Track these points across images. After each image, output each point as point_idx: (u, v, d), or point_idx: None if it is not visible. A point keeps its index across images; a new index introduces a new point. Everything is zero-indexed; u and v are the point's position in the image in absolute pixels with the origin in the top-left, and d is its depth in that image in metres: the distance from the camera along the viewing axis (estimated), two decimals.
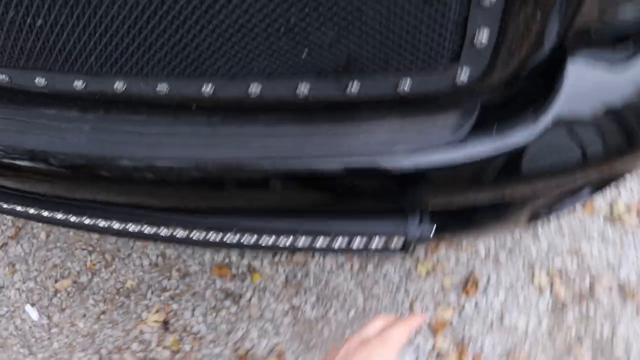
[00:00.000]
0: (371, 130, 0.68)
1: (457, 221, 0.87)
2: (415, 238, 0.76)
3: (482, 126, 0.69)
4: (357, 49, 0.60)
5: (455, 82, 0.64)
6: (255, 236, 0.81)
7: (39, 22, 0.65)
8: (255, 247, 0.83)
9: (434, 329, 1.55)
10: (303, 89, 0.65)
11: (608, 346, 1.55)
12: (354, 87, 0.64)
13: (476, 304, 1.61)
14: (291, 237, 0.80)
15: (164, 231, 0.85)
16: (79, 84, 0.72)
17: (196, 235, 0.84)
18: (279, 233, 0.80)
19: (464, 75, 0.62)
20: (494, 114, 0.70)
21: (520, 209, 0.83)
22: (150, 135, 0.72)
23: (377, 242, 0.78)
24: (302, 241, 0.79)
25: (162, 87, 0.69)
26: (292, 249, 0.81)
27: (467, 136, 0.66)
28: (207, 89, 0.69)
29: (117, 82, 0.70)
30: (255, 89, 0.67)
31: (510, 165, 0.68)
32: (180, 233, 0.84)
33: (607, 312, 1.58)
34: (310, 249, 0.80)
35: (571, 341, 1.55)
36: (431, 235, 0.79)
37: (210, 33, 0.61)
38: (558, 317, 1.58)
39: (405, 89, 0.65)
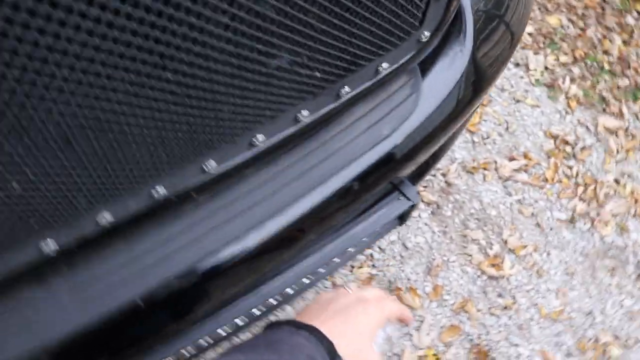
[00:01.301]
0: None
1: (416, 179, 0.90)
2: (418, 202, 0.78)
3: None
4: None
5: (420, 42, 0.64)
6: None
7: None
8: None
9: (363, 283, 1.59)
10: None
11: (484, 215, 1.80)
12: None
13: (380, 248, 1.69)
14: None
15: None
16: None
17: None
18: None
19: (426, 33, 0.62)
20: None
21: None
22: None
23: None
24: None
25: None
26: None
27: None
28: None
29: None
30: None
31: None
32: None
33: (467, 191, 1.83)
34: None
35: (461, 230, 1.76)
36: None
37: None
38: (440, 218, 1.77)
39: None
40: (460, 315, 1.66)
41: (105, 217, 0.51)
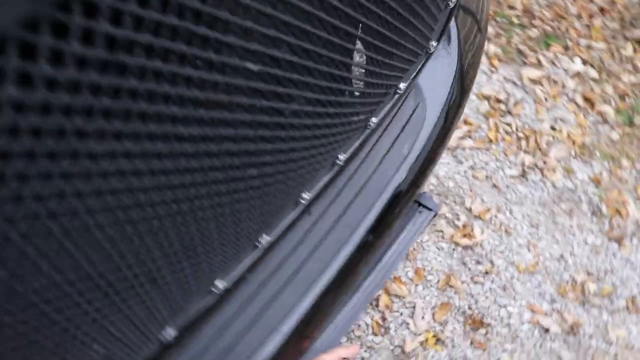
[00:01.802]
0: None
1: None
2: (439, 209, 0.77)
3: None
4: None
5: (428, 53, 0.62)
6: None
7: None
8: None
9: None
10: None
11: (443, 189, 1.84)
12: None
13: None
14: None
15: None
16: None
17: None
18: None
19: (434, 43, 0.60)
20: None
21: None
22: None
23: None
24: None
25: None
26: None
27: None
28: None
29: None
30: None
31: None
32: None
33: None
34: None
35: None
36: None
37: None
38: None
39: None
40: (447, 291, 1.69)
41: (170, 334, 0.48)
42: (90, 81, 0.25)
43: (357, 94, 0.47)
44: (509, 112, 2.09)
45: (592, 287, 1.74)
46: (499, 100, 2.12)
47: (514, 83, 2.17)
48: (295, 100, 0.40)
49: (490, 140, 2.00)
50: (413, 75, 0.59)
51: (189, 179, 0.37)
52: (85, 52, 0.23)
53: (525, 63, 2.24)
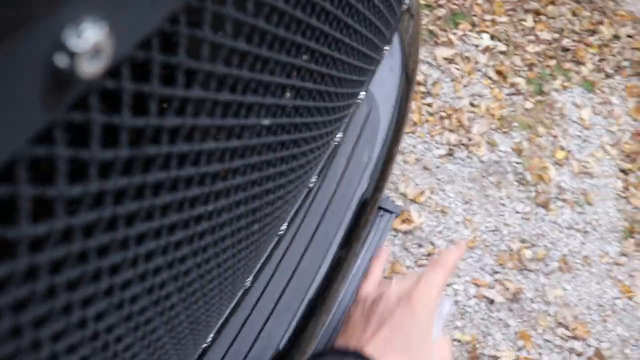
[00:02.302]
0: None
1: None
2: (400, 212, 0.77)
3: None
4: None
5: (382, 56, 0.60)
6: None
7: None
8: None
9: None
10: None
11: None
12: None
13: None
14: None
15: None
16: None
17: None
18: None
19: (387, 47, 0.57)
20: None
21: None
22: None
23: None
24: None
25: None
26: None
27: None
28: None
29: None
30: None
31: None
32: None
33: None
34: None
35: None
36: None
37: None
38: None
39: None
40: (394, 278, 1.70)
41: None
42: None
43: (334, 110, 0.43)
44: (429, 93, 2.12)
45: (527, 253, 1.81)
46: (418, 83, 2.14)
47: (429, 64, 2.21)
48: (297, 136, 0.35)
49: (415, 123, 2.02)
50: (368, 81, 0.56)
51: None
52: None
53: (437, 43, 2.28)
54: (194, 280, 0.32)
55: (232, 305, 0.50)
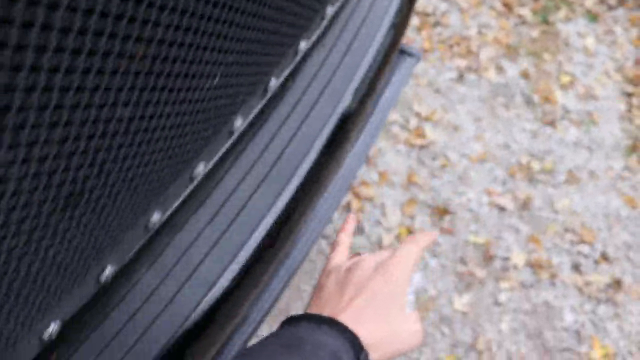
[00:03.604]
0: None
1: None
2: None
3: None
4: None
5: None
6: None
7: None
8: None
9: None
10: None
11: None
12: None
13: None
14: None
15: None
16: None
17: None
18: None
19: None
20: None
21: None
22: None
23: None
24: None
25: None
26: None
27: None
28: None
29: None
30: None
31: None
32: None
33: None
34: None
35: None
36: None
37: None
38: None
39: None
40: (411, 188, 1.78)
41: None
42: None
43: None
44: (439, 23, 2.19)
45: (536, 166, 1.90)
46: (427, 14, 2.22)
47: None
48: None
49: (426, 50, 2.10)
50: None
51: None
52: None
53: None
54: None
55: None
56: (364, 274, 0.54)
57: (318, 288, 0.58)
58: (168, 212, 0.61)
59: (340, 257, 0.61)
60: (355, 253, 0.63)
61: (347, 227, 0.66)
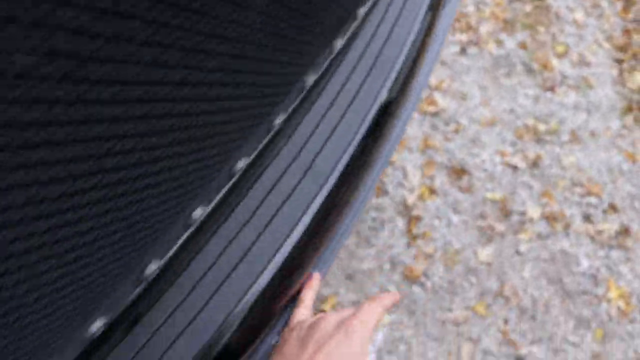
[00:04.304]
0: None
1: None
2: None
3: None
4: None
5: None
6: None
7: None
8: None
9: None
10: None
11: None
12: None
13: None
14: None
15: None
16: None
17: None
18: None
19: None
20: None
21: None
22: None
23: None
24: None
25: None
26: None
27: None
28: None
29: None
30: None
31: None
32: None
33: None
34: None
35: None
36: None
37: None
38: None
39: None
40: (427, 151, 1.87)
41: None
42: None
43: None
44: None
45: (541, 127, 2.01)
46: None
47: None
48: None
49: None
50: None
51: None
52: None
53: None
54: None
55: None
56: (325, 332, 0.55)
57: (280, 344, 0.58)
58: (211, 206, 0.62)
59: (304, 313, 0.62)
60: (319, 311, 0.60)
61: (311, 284, 0.67)
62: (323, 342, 0.53)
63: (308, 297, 0.65)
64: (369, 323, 0.56)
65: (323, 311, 0.62)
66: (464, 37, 2.20)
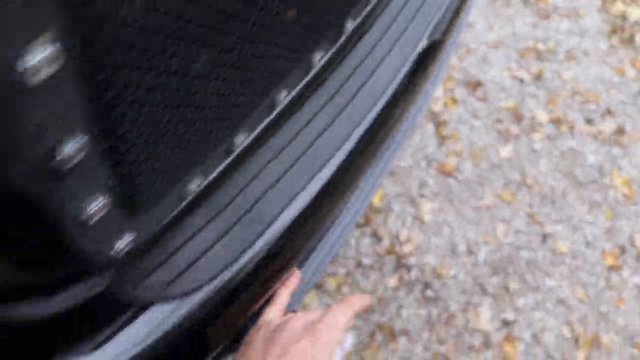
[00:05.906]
0: None
1: None
2: None
3: None
4: None
5: None
6: None
7: None
8: None
9: None
10: None
11: None
12: None
13: None
14: None
15: None
16: None
17: None
18: None
19: None
20: None
21: None
22: None
23: None
24: None
25: None
26: None
27: None
28: None
29: None
30: None
31: None
32: None
33: None
34: None
35: None
36: None
37: None
38: None
39: None
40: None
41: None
42: None
43: None
44: None
45: (541, 47, 2.23)
46: None
47: None
48: None
49: None
50: None
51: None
52: None
53: None
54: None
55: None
56: (292, 335, 0.53)
57: (246, 343, 0.56)
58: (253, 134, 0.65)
59: (275, 313, 0.61)
60: (289, 310, 0.63)
61: (289, 284, 0.65)
62: (289, 345, 0.51)
63: (283, 297, 0.63)
64: (336, 327, 0.54)
65: (293, 311, 0.63)
66: None
